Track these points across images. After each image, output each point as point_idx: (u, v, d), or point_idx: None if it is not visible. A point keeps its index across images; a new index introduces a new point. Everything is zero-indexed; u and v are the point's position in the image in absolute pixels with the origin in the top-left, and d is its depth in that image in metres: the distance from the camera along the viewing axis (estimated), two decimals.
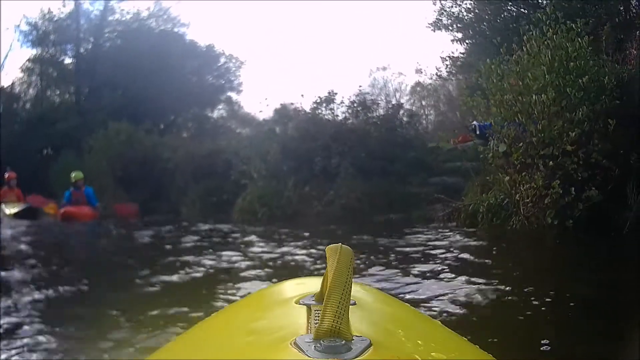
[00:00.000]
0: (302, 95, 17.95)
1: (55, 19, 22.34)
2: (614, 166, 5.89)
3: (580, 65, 6.11)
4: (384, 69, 21.38)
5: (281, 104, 12.01)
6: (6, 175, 12.59)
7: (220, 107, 24.45)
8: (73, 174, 11.45)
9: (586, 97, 5.96)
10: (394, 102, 14.18)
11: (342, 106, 10.67)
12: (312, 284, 0.89)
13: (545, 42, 6.27)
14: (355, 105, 10.50)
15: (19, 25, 22.23)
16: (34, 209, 11.47)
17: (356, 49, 33.01)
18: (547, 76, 6.00)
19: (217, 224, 9.13)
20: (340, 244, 0.65)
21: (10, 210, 11.07)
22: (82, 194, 11.32)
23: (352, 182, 9.53)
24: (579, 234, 5.63)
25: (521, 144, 6.13)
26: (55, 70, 22.62)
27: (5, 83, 21.98)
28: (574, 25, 6.36)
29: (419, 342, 0.66)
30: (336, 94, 10.65)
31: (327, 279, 0.67)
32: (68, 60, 23.16)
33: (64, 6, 22.60)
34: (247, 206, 10.28)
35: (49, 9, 22.38)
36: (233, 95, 24.12)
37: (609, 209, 5.74)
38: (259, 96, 45.01)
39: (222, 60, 23.80)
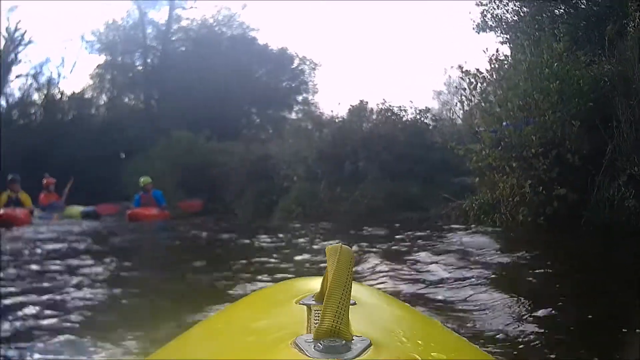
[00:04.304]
0: (339, 103, 18.31)
1: (121, 28, 23.26)
2: (589, 166, 6.24)
3: (560, 69, 6.47)
4: (460, 67, 21.03)
5: (319, 112, 12.91)
6: (44, 181, 13.19)
7: (296, 108, 24.39)
8: (142, 179, 12.59)
9: (559, 101, 6.34)
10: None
11: (372, 113, 11.46)
12: (312, 284, 0.89)
13: (525, 50, 6.70)
14: (384, 111, 11.24)
15: (83, 36, 23.18)
16: (95, 212, 13.10)
17: (432, 47, 32.69)
18: (521, 84, 6.45)
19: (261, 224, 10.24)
20: (340, 244, 0.66)
21: (72, 212, 12.71)
22: (150, 196, 12.46)
23: (378, 184, 10.29)
24: (554, 230, 6.08)
25: (500, 147, 6.63)
26: (124, 77, 23.30)
27: (76, 89, 22.95)
28: (556, 31, 6.73)
29: (419, 342, 0.67)
30: (367, 102, 11.49)
31: (327, 279, 0.67)
32: (137, 68, 23.76)
33: (128, 16, 23.49)
34: (287, 206, 11.34)
35: (113, 19, 23.35)
36: (309, 96, 24.21)
37: (579, 206, 6.14)
38: (336, 97, 46.02)
39: (296, 62, 24.05)
